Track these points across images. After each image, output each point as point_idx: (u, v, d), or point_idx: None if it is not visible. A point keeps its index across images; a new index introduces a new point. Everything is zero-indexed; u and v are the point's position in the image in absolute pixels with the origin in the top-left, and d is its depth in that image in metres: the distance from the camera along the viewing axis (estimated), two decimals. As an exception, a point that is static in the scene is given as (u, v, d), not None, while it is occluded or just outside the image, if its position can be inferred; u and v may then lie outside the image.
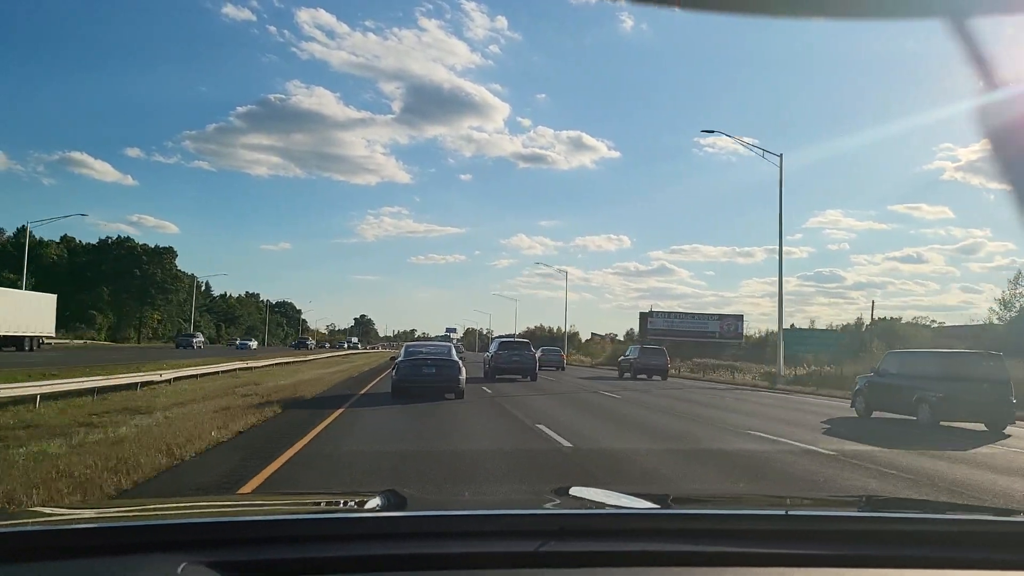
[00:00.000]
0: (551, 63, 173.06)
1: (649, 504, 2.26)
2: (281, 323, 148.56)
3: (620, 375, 37.31)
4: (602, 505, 2.22)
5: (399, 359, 18.31)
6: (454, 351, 19.36)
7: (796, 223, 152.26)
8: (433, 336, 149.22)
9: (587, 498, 2.48)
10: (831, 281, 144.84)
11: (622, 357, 40.12)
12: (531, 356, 29.25)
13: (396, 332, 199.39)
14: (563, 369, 44.03)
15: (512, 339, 38.03)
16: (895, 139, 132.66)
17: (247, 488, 6.92)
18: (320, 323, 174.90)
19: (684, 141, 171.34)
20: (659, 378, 35.03)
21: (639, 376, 35.42)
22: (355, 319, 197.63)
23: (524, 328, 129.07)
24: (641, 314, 78.25)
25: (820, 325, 67.56)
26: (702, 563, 1.48)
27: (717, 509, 2.24)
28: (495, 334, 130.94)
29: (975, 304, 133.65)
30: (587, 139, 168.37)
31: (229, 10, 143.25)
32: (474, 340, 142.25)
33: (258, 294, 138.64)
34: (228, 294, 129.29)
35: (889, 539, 1.62)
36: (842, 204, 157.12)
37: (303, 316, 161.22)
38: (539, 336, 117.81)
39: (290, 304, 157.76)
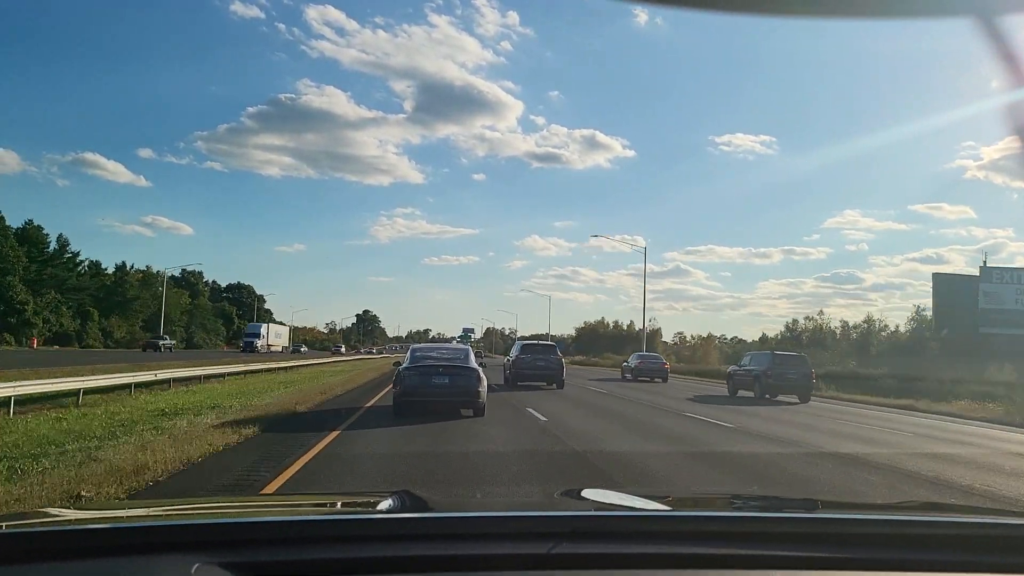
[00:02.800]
0: (564, 59, 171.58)
1: (661, 506, 2.27)
2: (230, 313, 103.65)
3: (732, 392, 26.99)
4: (614, 507, 2.22)
5: (403, 366, 14.74)
6: (472, 356, 15.64)
7: (814, 223, 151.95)
8: (449, 337, 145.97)
9: (600, 500, 2.47)
10: (849, 282, 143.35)
11: (735, 367, 28.51)
12: (557, 360, 26.21)
13: (409, 332, 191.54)
14: (666, 380, 35.31)
15: (536, 341, 33.20)
16: (916, 137, 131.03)
17: (267, 490, 6.90)
18: (300, 317, 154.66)
19: (700, 139, 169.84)
20: (796, 399, 24.65)
21: (765, 395, 25.01)
22: (357, 315, 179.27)
23: (582, 323, 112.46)
24: (936, 277, 39.42)
25: (837, 328, 54.71)
26: (715, 565, 1.49)
27: (730, 511, 2.24)
28: (518, 335, 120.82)
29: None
30: (601, 137, 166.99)
31: (237, 7, 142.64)
32: (495, 342, 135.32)
33: (201, 271, 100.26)
34: (131, 266, 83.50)
35: (906, 543, 1.61)
36: (861, 204, 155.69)
37: (266, 305, 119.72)
38: (601, 334, 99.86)
39: (247, 288, 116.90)
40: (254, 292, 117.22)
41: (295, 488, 6.97)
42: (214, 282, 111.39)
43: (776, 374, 24.72)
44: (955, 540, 1.63)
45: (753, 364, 26.41)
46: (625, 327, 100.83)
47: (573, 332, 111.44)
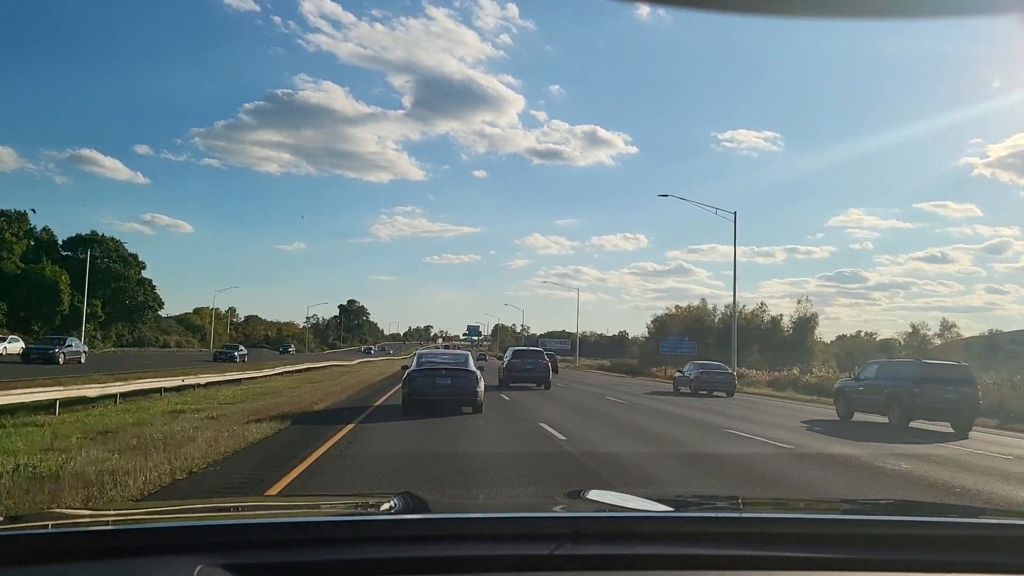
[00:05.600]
0: (565, 53, 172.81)
1: (664, 507, 2.28)
2: (54, 283, 60.79)
3: (843, 415, 19.70)
4: (617, 508, 2.22)
5: (410, 368, 16.70)
6: (471, 360, 17.82)
7: (818, 222, 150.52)
8: (452, 335, 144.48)
9: (602, 501, 2.48)
10: (853, 281, 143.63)
11: (849, 380, 20.94)
12: (545, 365, 29.65)
13: (408, 329, 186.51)
14: (731, 395, 30.41)
15: (526, 347, 37.03)
16: (922, 135, 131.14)
17: (270, 492, 6.98)
18: (227, 299, 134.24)
19: (703, 135, 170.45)
20: (951, 430, 16.92)
21: (906, 422, 17.56)
22: (340, 306, 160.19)
23: (663, 310, 76.82)
24: None
25: (842, 329, 46.18)
26: (718, 566, 1.50)
27: (732, 512, 2.24)
28: (530, 331, 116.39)
29: (1000, 305, 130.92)
30: (602, 133, 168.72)
31: (232, 0, 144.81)
32: (506, 340, 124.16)
33: (26, 212, 64.10)
34: None
35: (909, 544, 1.62)
36: (865, 202, 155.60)
37: (145, 272, 74.62)
38: (705, 326, 62.55)
39: (107, 243, 70.64)
40: (121, 250, 71.34)
41: None
42: (46, 229, 69.36)
43: (927, 393, 17.17)
44: (958, 541, 1.64)
45: (885, 377, 18.65)
46: (719, 312, 65.03)
47: (649, 327, 74.77)
